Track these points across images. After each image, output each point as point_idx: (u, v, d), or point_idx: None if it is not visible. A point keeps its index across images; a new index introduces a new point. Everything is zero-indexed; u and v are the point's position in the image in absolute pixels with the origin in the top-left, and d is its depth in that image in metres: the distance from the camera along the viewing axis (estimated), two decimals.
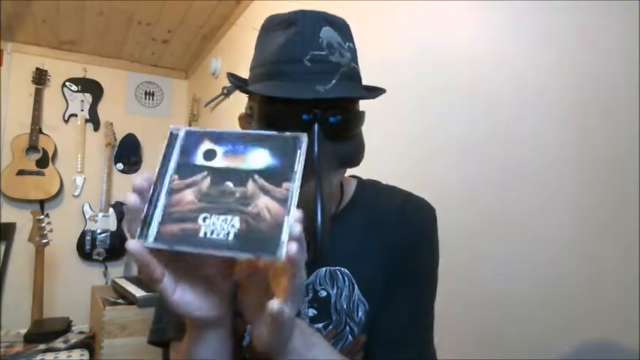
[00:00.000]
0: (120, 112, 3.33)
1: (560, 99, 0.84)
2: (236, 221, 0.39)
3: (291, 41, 0.57)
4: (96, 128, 3.25)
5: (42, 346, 2.02)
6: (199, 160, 0.42)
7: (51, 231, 2.51)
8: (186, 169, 0.42)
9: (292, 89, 0.55)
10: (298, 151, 0.41)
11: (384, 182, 0.75)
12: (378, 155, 1.32)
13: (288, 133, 0.42)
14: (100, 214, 3.10)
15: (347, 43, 0.60)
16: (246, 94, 0.65)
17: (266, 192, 0.40)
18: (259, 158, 0.41)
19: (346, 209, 0.68)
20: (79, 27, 2.83)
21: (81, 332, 2.28)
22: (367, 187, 0.72)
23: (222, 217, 0.39)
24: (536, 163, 0.87)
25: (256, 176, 0.40)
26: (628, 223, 0.71)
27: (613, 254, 0.73)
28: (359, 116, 0.61)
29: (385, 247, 0.65)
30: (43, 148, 2.99)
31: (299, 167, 0.41)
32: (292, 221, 0.38)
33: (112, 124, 3.22)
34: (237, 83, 0.63)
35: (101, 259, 3.07)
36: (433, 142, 1.15)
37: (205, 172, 0.41)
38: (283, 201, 0.39)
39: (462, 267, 1.02)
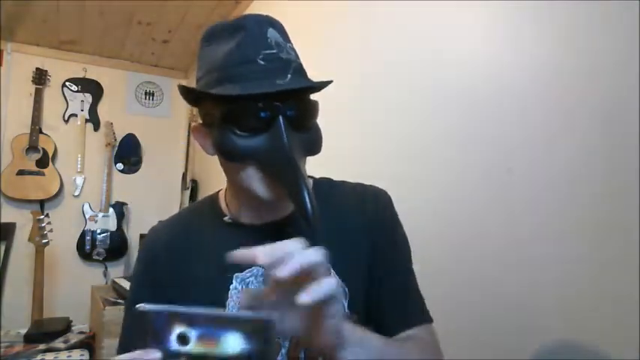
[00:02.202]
0: (120, 112, 3.33)
1: (558, 97, 0.84)
2: None
3: (243, 44, 0.60)
4: (96, 128, 3.25)
5: (42, 346, 2.02)
6: (174, 344, 0.42)
7: (51, 231, 2.51)
8: (162, 354, 0.42)
9: (254, 87, 0.58)
10: (270, 335, 0.42)
11: (379, 181, 0.77)
12: (376, 156, 1.32)
13: (259, 316, 0.43)
14: (100, 214, 3.10)
15: (288, 44, 0.63)
16: (194, 103, 0.68)
17: None
18: (233, 343, 0.42)
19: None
20: (79, 27, 2.83)
21: (81, 332, 2.28)
22: (322, 184, 0.76)
23: None
24: (535, 162, 0.87)
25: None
26: (628, 223, 0.71)
27: (613, 254, 0.73)
28: (314, 106, 0.65)
29: (352, 235, 0.70)
30: (43, 148, 2.99)
31: (272, 351, 0.43)
32: None
33: (112, 124, 3.22)
34: (193, 92, 0.64)
35: (101, 259, 3.07)
36: (431, 140, 1.15)
37: (183, 359, 0.42)
38: None
39: (459, 267, 1.02)
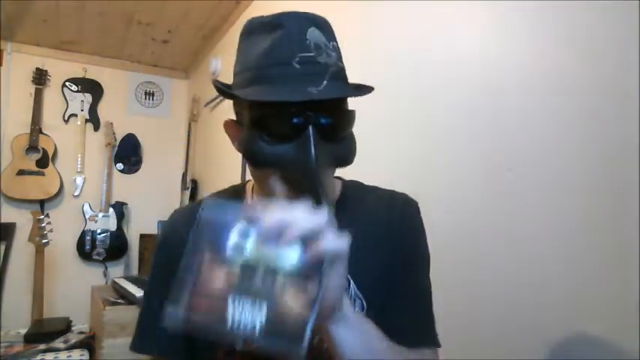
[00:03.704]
0: (120, 112, 3.33)
1: (558, 97, 0.84)
2: (264, 310, 0.41)
3: (279, 44, 0.56)
4: (96, 128, 3.25)
5: (42, 346, 2.02)
6: (232, 240, 0.43)
7: (51, 231, 2.51)
8: (220, 247, 0.43)
9: (284, 92, 0.55)
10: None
11: (382, 182, 0.76)
12: (378, 155, 1.32)
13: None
14: (100, 214, 3.10)
15: (331, 42, 0.60)
16: (234, 100, 0.65)
17: (294, 285, 0.42)
18: (291, 256, 0.43)
19: (334, 209, 0.70)
20: (79, 27, 2.83)
21: (81, 332, 2.28)
22: (351, 187, 0.74)
23: (250, 303, 0.41)
24: (536, 161, 0.87)
25: (285, 276, 0.42)
26: (628, 223, 0.71)
27: (613, 254, 0.73)
28: (350, 116, 0.62)
29: (376, 243, 0.67)
30: (43, 148, 2.99)
31: (327, 274, 0.43)
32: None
33: (112, 124, 3.22)
34: (224, 89, 0.62)
35: (101, 259, 3.08)
36: (432, 140, 1.15)
37: (238, 256, 0.43)
38: (310, 296, 0.42)
39: (461, 266, 1.02)
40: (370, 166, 1.34)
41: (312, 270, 0.43)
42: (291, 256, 0.42)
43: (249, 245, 0.42)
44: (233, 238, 0.43)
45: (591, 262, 0.76)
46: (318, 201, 0.54)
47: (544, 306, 0.84)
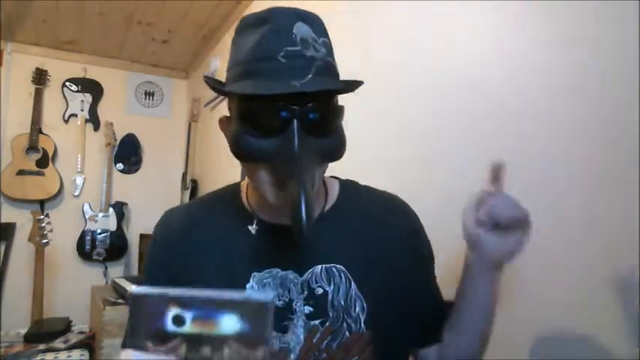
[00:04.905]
0: (120, 112, 3.33)
1: (560, 98, 0.84)
2: None
3: (265, 39, 0.56)
4: (96, 128, 3.25)
5: (42, 346, 2.02)
6: (169, 326, 0.42)
7: (51, 231, 2.51)
8: (158, 335, 0.42)
9: (267, 86, 0.54)
10: (267, 317, 0.42)
11: (380, 183, 0.78)
12: (377, 157, 1.32)
13: (254, 299, 0.43)
14: (100, 214, 3.10)
15: (321, 38, 0.59)
16: (223, 95, 0.65)
17: (244, 357, 0.41)
18: (230, 324, 0.42)
19: (333, 209, 0.71)
20: (79, 27, 2.83)
21: (81, 332, 2.28)
22: (348, 187, 0.75)
23: None
24: (537, 162, 0.87)
25: (231, 342, 0.42)
26: (628, 222, 0.71)
27: (613, 253, 0.73)
28: (337, 110, 0.61)
29: (375, 243, 0.69)
30: (43, 148, 2.99)
31: (269, 332, 0.42)
32: None
33: (112, 124, 3.22)
34: (214, 85, 0.62)
35: (101, 259, 3.07)
36: (430, 139, 1.15)
37: (179, 339, 0.42)
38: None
39: (458, 266, 1.01)
40: (366, 167, 1.35)
41: (256, 330, 0.42)
42: (231, 324, 0.42)
43: (188, 320, 0.42)
44: (169, 316, 0.42)
45: (591, 262, 0.76)
46: (303, 193, 0.53)
47: (543, 306, 0.84)
